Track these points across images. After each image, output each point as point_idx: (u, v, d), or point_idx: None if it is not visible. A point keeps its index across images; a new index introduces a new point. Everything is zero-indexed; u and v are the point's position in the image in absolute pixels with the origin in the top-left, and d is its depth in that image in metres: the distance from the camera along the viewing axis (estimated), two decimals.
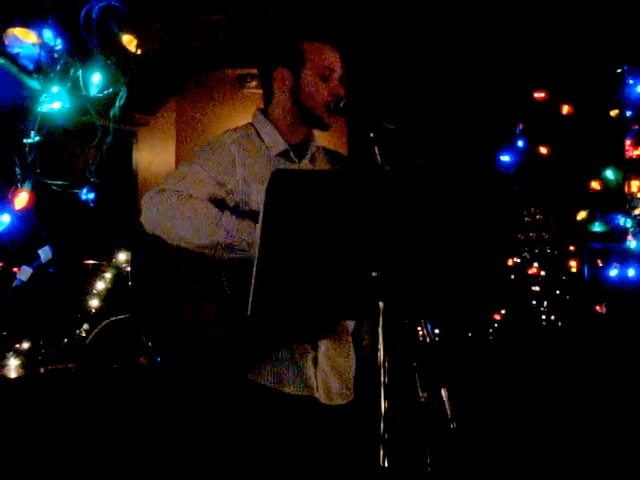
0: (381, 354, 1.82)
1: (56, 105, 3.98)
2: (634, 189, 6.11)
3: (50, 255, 4.06)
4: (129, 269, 2.26)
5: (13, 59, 3.76)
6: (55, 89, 3.93)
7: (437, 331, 4.99)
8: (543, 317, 6.56)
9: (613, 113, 6.31)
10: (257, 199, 2.27)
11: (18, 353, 4.03)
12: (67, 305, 4.43)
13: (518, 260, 6.68)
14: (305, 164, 2.47)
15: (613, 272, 6.06)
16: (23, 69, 3.80)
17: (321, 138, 2.58)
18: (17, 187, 3.95)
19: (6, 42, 3.74)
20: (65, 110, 4.01)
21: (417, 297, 1.96)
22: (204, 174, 2.29)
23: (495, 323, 6.19)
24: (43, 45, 3.84)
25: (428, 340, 1.97)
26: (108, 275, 4.59)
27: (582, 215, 6.42)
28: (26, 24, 3.79)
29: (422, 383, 1.93)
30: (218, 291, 2.20)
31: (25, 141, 3.94)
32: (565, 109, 6.53)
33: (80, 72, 4.02)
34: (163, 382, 3.73)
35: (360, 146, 2.26)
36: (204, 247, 2.19)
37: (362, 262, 1.85)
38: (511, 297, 6.39)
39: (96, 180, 4.29)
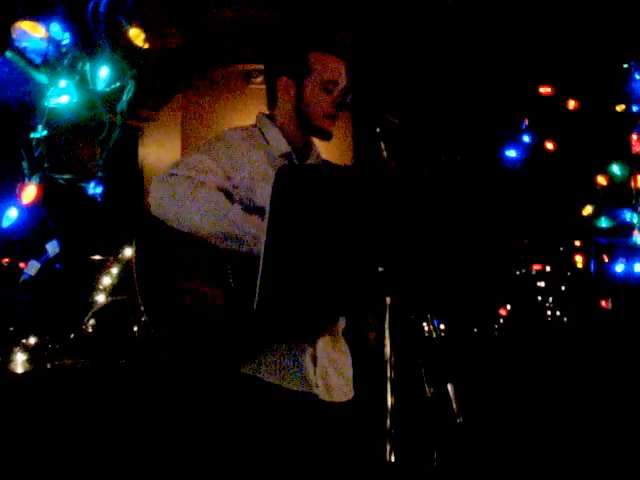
0: (387, 349, 1.82)
1: (63, 99, 3.98)
2: None
3: (57, 249, 4.07)
4: (133, 255, 2.25)
5: (21, 53, 3.76)
6: (63, 83, 3.93)
7: (443, 326, 4.99)
8: (548, 312, 6.56)
9: (619, 108, 6.30)
10: (261, 196, 2.27)
11: (25, 348, 4.04)
12: (74, 300, 4.44)
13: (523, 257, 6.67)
14: None
15: (619, 267, 6.06)
16: (31, 63, 3.81)
17: None
18: (24, 181, 3.96)
19: (14, 36, 3.74)
20: (72, 104, 4.01)
21: (423, 292, 1.96)
22: (214, 165, 2.29)
23: (501, 318, 6.19)
24: (51, 39, 3.84)
25: (434, 336, 1.97)
26: (114, 270, 4.60)
27: (588, 210, 6.41)
28: (34, 18, 3.79)
29: (428, 378, 1.93)
30: (222, 281, 2.20)
31: (32, 135, 3.94)
32: (571, 104, 6.52)
33: (88, 66, 4.02)
34: (166, 377, 3.74)
35: (366, 141, 2.26)
36: (210, 235, 2.18)
37: (368, 257, 1.85)
38: (516, 293, 6.39)
39: (104, 174, 4.29)
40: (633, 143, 6.21)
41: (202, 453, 2.32)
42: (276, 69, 2.45)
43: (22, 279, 3.99)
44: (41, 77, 3.88)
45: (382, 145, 2.17)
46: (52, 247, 4.05)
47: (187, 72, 5.77)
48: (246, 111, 6.04)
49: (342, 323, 2.47)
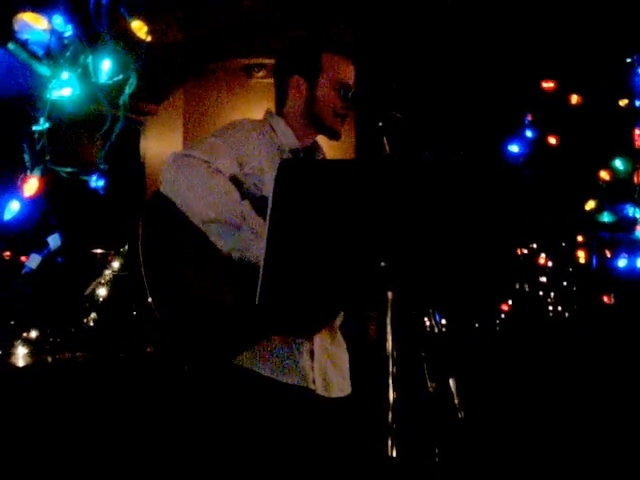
0: (389, 344, 1.82)
1: (66, 92, 3.97)
2: None
3: (59, 243, 4.06)
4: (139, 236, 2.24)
5: (23, 45, 3.75)
6: (65, 75, 3.92)
7: (444, 321, 4.99)
8: (550, 308, 6.56)
9: (622, 103, 6.30)
10: (269, 187, 2.27)
11: (26, 342, 4.04)
12: (75, 294, 4.44)
13: (526, 251, 6.67)
14: None
15: (621, 262, 6.06)
16: (33, 55, 3.80)
17: None
18: (26, 174, 3.95)
19: (16, 28, 3.73)
20: (74, 97, 4.00)
21: (425, 287, 1.96)
22: (228, 149, 2.28)
23: (502, 314, 6.19)
24: (53, 31, 3.83)
25: (436, 330, 1.97)
26: (116, 264, 4.60)
27: (591, 205, 6.41)
28: (36, 9, 3.78)
29: (430, 373, 1.93)
30: (225, 269, 2.19)
31: (34, 128, 3.94)
32: (574, 99, 6.51)
33: (90, 58, 4.01)
34: (166, 371, 3.75)
35: (368, 136, 2.25)
36: (212, 221, 2.17)
37: (370, 252, 1.85)
38: (518, 288, 6.40)
39: (106, 167, 4.29)
40: (636, 138, 6.21)
41: (200, 447, 2.32)
42: (288, 67, 2.46)
43: (23, 272, 3.99)
44: (43, 69, 3.88)
45: (385, 140, 2.17)
46: (54, 241, 4.05)
47: (188, 66, 5.76)
48: (248, 105, 6.05)
49: (339, 317, 2.48)
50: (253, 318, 2.15)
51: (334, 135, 2.45)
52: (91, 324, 4.39)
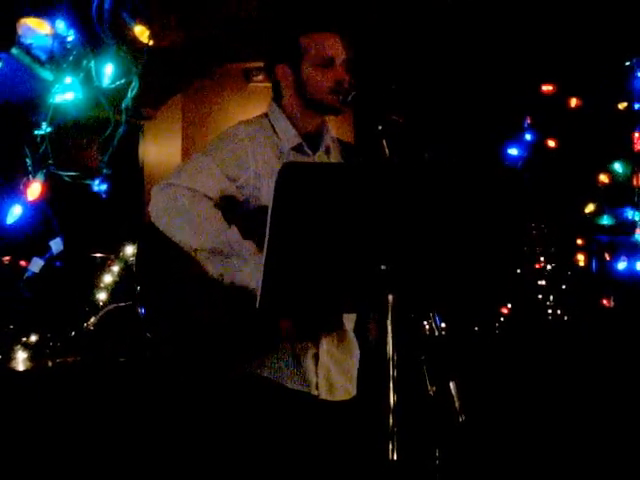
0: (390, 347, 1.83)
1: (68, 96, 3.98)
2: None
3: (61, 247, 4.07)
4: (135, 258, 2.27)
5: (26, 49, 3.76)
6: (68, 80, 3.94)
7: (444, 325, 4.99)
8: (550, 311, 6.55)
9: (621, 106, 6.29)
10: (267, 194, 2.28)
11: (26, 346, 4.04)
12: (74, 298, 4.44)
13: (525, 254, 6.66)
14: (320, 156, 2.48)
15: (621, 265, 6.05)
16: (36, 60, 3.80)
17: None
18: (29, 178, 3.96)
19: (19, 32, 3.74)
20: (77, 101, 4.01)
21: (425, 290, 1.97)
22: (216, 169, 2.29)
23: (502, 317, 6.19)
24: (56, 35, 3.84)
25: (436, 334, 1.97)
26: (115, 268, 4.59)
27: (590, 208, 6.41)
28: (39, 14, 3.79)
29: (431, 377, 1.94)
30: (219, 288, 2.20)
31: (37, 132, 3.95)
32: (573, 102, 6.50)
33: (93, 63, 4.03)
34: (166, 374, 3.75)
35: (368, 139, 2.26)
36: (198, 250, 2.20)
37: (371, 255, 1.86)
38: (517, 291, 6.39)
39: (109, 172, 4.30)
40: (635, 141, 6.20)
41: (202, 451, 2.32)
42: (272, 59, 2.48)
43: (26, 276, 3.99)
44: (46, 74, 3.88)
45: (384, 143, 2.18)
46: (56, 245, 4.05)
47: (187, 70, 5.76)
48: (246, 109, 6.03)
49: (350, 321, 2.48)
50: (251, 334, 2.17)
51: (335, 111, 2.44)
52: (91, 328, 4.39)
